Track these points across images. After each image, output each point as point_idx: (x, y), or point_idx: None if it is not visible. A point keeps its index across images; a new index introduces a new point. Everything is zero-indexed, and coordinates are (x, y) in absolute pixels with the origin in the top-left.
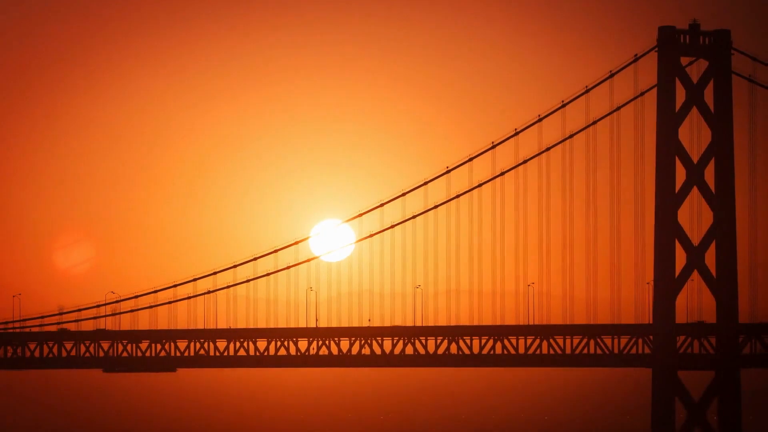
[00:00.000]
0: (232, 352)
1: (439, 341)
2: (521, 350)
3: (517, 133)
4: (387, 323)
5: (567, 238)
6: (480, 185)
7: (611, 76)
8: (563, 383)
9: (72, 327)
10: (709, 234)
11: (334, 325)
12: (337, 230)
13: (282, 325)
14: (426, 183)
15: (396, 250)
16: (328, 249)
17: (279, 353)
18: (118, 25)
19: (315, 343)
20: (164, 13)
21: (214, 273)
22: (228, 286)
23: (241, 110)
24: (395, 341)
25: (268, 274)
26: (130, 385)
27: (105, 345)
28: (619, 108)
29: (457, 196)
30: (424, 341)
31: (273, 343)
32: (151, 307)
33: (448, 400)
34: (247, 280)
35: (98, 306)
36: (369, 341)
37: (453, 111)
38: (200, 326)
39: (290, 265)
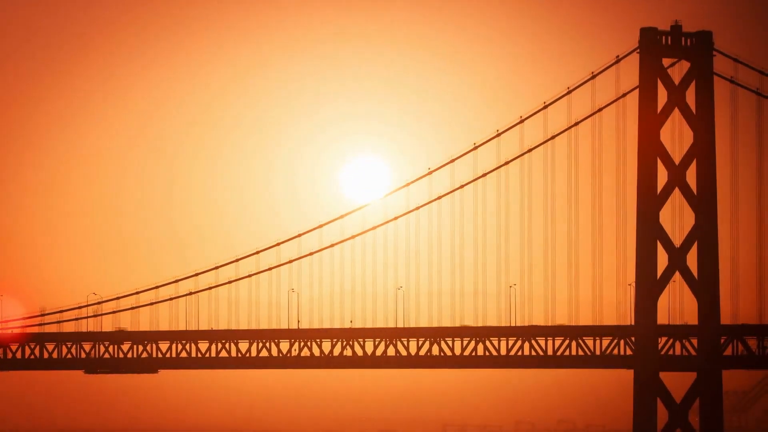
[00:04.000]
0: (214, 354)
1: (421, 343)
2: (503, 351)
3: (499, 134)
4: (369, 324)
5: (549, 240)
6: (462, 186)
7: (593, 77)
8: (545, 384)
9: (54, 329)
10: (691, 235)
11: (315, 326)
12: (319, 231)
13: (264, 326)
14: (408, 184)
15: (378, 251)
16: (310, 250)
17: (261, 354)
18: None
19: (297, 344)
20: None
21: (196, 274)
22: (210, 288)
23: (222, 110)
24: (377, 342)
25: (250, 276)
26: (111, 386)
27: (87, 346)
28: (601, 109)
29: (439, 198)
30: (406, 342)
31: (255, 344)
32: (132, 308)
33: (429, 402)
34: (229, 282)
35: (80, 307)
36: (351, 342)
37: (434, 112)
38: (182, 328)
39: (272, 266)
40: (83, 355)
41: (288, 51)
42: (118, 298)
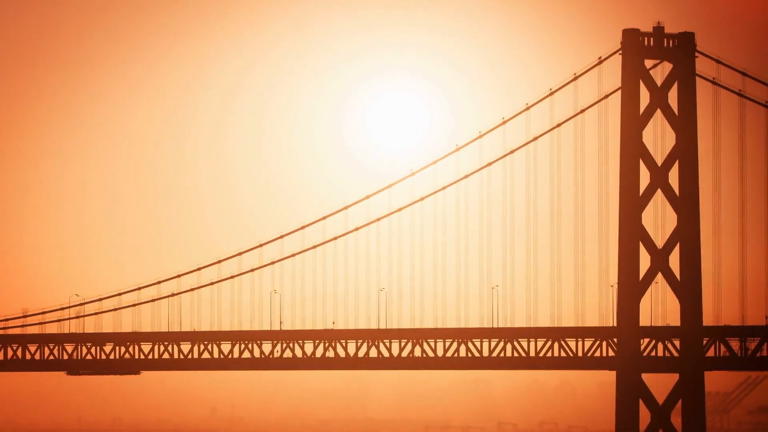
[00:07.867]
0: (196, 355)
1: (403, 344)
2: (485, 353)
3: (481, 136)
4: (351, 326)
5: (531, 241)
6: (444, 188)
7: (575, 78)
8: (527, 385)
9: (36, 330)
10: (674, 237)
11: (298, 327)
12: (301, 232)
13: (246, 327)
14: (390, 186)
15: (360, 252)
16: (291, 251)
17: (243, 356)
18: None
19: (279, 345)
20: None
21: (178, 276)
22: (192, 289)
23: (206, 114)
24: (359, 344)
25: (232, 277)
26: (93, 388)
27: (69, 348)
28: (583, 110)
29: (422, 199)
30: (388, 344)
31: (237, 345)
32: (115, 309)
33: (412, 403)
34: (211, 283)
35: (62, 309)
36: (333, 344)
37: (417, 113)
38: (164, 329)
39: (254, 267)
40: (65, 357)
41: (277, 60)
42: (100, 300)
